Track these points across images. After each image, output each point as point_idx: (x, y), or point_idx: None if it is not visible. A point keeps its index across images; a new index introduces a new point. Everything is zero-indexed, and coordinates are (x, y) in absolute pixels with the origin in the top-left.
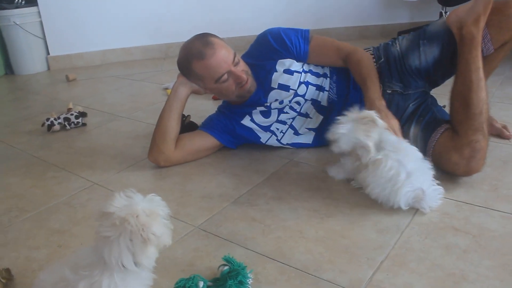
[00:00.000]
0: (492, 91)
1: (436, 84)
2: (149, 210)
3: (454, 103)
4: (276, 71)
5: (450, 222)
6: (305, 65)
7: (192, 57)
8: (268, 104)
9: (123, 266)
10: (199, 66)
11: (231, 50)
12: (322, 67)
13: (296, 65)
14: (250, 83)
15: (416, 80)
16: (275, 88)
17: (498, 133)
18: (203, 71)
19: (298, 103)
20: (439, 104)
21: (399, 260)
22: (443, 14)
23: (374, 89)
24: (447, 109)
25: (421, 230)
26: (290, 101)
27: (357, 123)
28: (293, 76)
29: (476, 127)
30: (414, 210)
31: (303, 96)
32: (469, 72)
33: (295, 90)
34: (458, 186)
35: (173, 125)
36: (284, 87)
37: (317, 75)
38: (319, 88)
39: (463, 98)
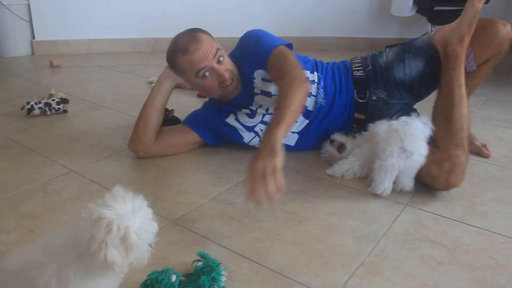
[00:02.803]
0: (474, 111)
1: (419, 97)
2: (124, 227)
3: (436, 118)
4: (255, 79)
5: (426, 234)
6: None
7: (177, 50)
8: (254, 108)
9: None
10: (182, 60)
11: (215, 46)
12: (311, 72)
13: None
14: (235, 85)
15: (401, 91)
16: (259, 94)
17: (478, 151)
18: (185, 65)
19: None
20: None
21: (374, 268)
22: (430, 31)
23: (277, 121)
24: None
25: (398, 240)
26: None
27: None
28: (272, 83)
29: (456, 142)
30: (392, 219)
31: None
32: (452, 88)
33: None
34: (436, 200)
35: (155, 117)
36: (267, 94)
37: None
38: None
39: (445, 113)
